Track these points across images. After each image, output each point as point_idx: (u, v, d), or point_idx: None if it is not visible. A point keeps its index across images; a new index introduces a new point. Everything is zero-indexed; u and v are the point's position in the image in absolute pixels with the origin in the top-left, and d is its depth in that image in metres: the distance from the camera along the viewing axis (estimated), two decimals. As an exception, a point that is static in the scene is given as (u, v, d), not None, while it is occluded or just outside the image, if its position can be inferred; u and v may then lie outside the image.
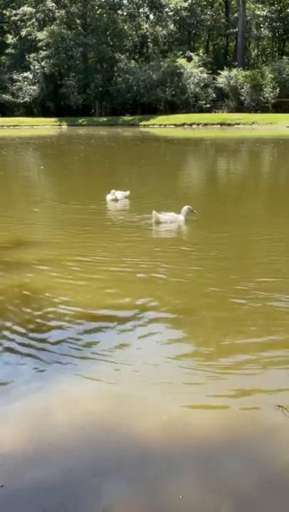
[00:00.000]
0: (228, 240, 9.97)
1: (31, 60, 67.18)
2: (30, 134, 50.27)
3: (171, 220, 11.07)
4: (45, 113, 68.88)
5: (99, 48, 67.50)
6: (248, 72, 60.80)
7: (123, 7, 73.71)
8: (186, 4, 68.73)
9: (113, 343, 5.74)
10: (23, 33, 67.91)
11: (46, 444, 4.11)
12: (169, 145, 37.91)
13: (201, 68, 63.56)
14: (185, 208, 10.93)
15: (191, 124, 56.95)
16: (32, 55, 67.43)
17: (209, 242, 9.75)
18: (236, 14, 70.91)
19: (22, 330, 6.09)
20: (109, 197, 13.56)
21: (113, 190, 13.52)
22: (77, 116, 66.02)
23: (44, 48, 66.18)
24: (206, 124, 56.15)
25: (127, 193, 13.86)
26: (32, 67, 67.41)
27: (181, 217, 11.02)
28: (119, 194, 13.58)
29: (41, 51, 66.58)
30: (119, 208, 13.09)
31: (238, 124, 54.36)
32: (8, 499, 3.56)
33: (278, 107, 59.62)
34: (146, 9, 72.91)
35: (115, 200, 13.45)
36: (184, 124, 57.06)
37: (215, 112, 61.89)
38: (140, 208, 13.11)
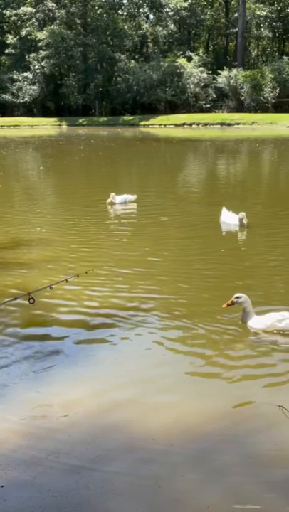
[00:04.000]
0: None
1: (31, 60, 67.08)
2: (30, 134, 50.24)
3: (226, 222, 10.96)
4: (45, 113, 68.80)
5: (99, 47, 67.40)
6: (248, 72, 60.70)
7: (123, 7, 73.58)
8: (186, 4, 68.59)
9: (113, 342, 5.75)
10: (23, 33, 67.76)
11: (47, 444, 4.12)
12: (168, 145, 37.90)
13: (201, 68, 63.48)
14: (240, 214, 10.72)
15: (191, 124, 56.91)
16: (32, 55, 67.32)
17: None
18: (236, 14, 70.74)
19: (22, 329, 6.10)
20: (108, 200, 13.56)
21: (113, 194, 13.50)
22: (77, 116, 65.94)
23: (44, 48, 66.08)
24: (206, 124, 56.11)
25: (133, 196, 13.78)
26: (32, 67, 67.30)
27: (235, 221, 10.81)
28: (120, 198, 13.54)
29: (41, 51, 66.47)
30: (118, 210, 13.08)
31: (238, 124, 54.32)
32: (8, 499, 3.56)
33: (278, 107, 59.51)
34: (146, 9, 72.76)
35: (111, 203, 13.44)
36: (183, 124, 57.02)
37: (215, 112, 61.79)
38: (136, 211, 13.13)
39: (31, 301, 4.46)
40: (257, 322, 6.00)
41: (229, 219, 10.99)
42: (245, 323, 6.08)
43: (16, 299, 4.69)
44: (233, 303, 6.06)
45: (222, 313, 6.34)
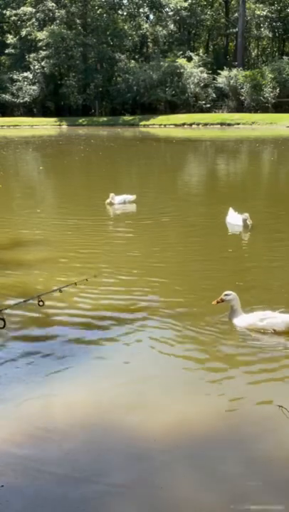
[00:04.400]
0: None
1: (31, 60, 67.09)
2: (30, 134, 50.24)
3: (231, 223, 10.90)
4: (45, 113, 68.81)
5: (99, 47, 67.41)
6: (248, 72, 60.71)
7: (123, 7, 73.59)
8: (186, 4, 68.61)
9: (114, 343, 5.75)
10: (23, 33, 67.76)
11: (47, 444, 4.12)
12: (168, 145, 37.90)
13: (201, 68, 63.48)
14: (244, 215, 10.63)
15: (191, 124, 56.92)
16: (32, 55, 67.32)
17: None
18: (236, 14, 70.74)
19: (22, 329, 6.10)
20: (107, 201, 13.55)
21: (112, 194, 13.48)
22: (77, 116, 65.93)
23: (44, 48, 66.08)
24: (206, 124, 56.11)
25: (133, 197, 13.75)
26: (32, 67, 67.32)
27: (240, 221, 10.71)
28: (119, 198, 13.53)
29: (41, 51, 66.47)
30: (117, 211, 13.07)
31: (238, 124, 54.33)
32: (8, 499, 3.56)
33: (278, 107, 59.52)
34: (146, 9, 72.77)
35: (110, 204, 13.43)
36: (183, 124, 57.02)
37: (215, 112, 61.79)
38: (135, 211, 13.12)
39: (40, 303, 4.52)
40: (241, 320, 6.09)
41: (234, 220, 10.90)
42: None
43: (26, 301, 4.71)
44: (222, 300, 6.15)
45: (221, 313, 6.34)
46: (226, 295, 6.13)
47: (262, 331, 5.95)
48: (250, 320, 6.03)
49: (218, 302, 6.16)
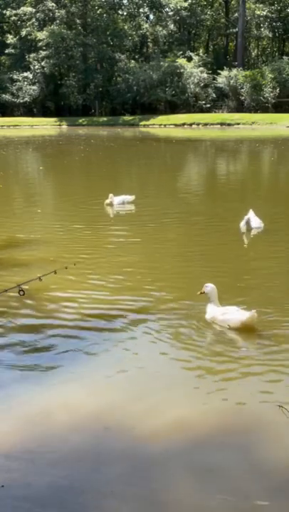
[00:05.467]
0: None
1: (31, 60, 67.07)
2: (30, 134, 50.23)
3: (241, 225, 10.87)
4: (45, 113, 68.80)
5: (99, 47, 67.39)
6: (248, 72, 60.69)
7: (123, 7, 73.57)
8: (186, 4, 68.60)
9: (113, 344, 5.75)
10: (23, 33, 67.74)
11: (47, 445, 4.12)
12: (168, 145, 37.89)
13: (201, 68, 63.46)
14: (246, 217, 10.60)
15: (191, 124, 56.90)
16: (32, 55, 67.30)
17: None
18: (236, 14, 70.71)
19: (22, 329, 6.11)
20: (106, 201, 13.54)
21: (111, 195, 13.47)
22: (77, 116, 65.91)
23: (44, 48, 66.06)
24: (206, 124, 56.10)
25: (132, 197, 13.74)
26: (32, 67, 67.31)
27: (256, 224, 10.64)
28: (118, 199, 13.51)
29: (41, 51, 66.46)
30: (116, 211, 13.07)
31: (238, 124, 54.31)
32: (8, 499, 3.57)
33: (278, 107, 59.51)
34: (146, 9, 72.75)
35: (110, 204, 13.42)
36: (183, 124, 57.00)
37: (215, 112, 61.76)
38: (134, 212, 13.12)
39: (21, 292, 4.51)
40: (209, 312, 6.24)
41: (253, 223, 10.67)
42: None
43: (6, 291, 4.71)
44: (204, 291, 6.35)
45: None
46: (205, 286, 6.31)
47: (220, 324, 6.09)
48: (214, 313, 6.18)
49: (201, 293, 6.35)
